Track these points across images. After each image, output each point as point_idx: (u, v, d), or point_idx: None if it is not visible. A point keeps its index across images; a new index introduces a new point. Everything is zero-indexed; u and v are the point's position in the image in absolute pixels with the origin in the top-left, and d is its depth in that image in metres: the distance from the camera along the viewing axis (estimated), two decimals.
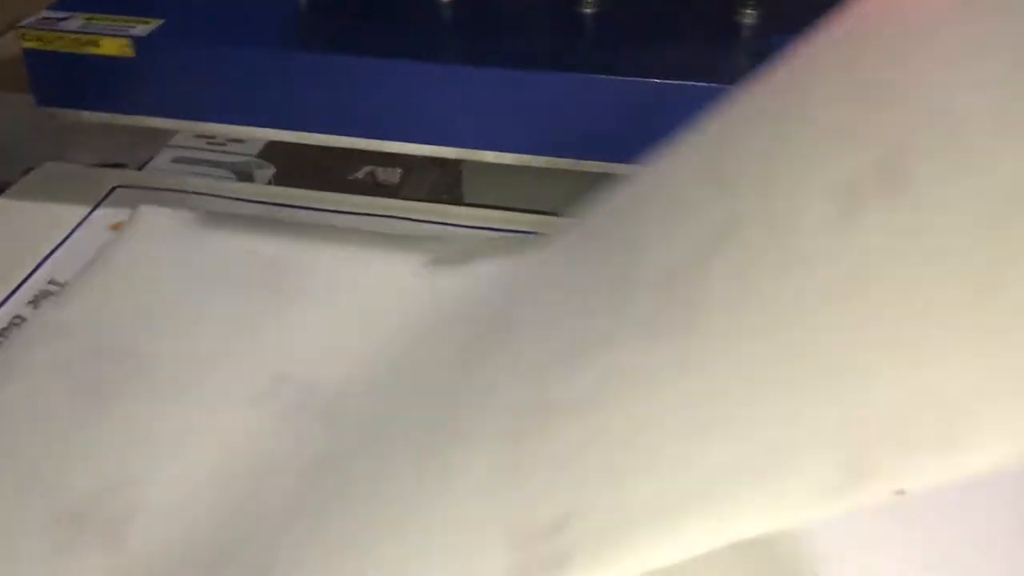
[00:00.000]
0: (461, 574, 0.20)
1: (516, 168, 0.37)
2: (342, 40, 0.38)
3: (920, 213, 0.18)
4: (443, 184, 0.43)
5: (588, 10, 0.38)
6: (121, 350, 0.33)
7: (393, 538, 0.22)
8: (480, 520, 0.21)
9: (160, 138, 0.47)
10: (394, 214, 0.42)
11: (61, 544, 0.27)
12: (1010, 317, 0.16)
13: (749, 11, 0.37)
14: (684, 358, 0.20)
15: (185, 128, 0.41)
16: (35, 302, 0.36)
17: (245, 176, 0.46)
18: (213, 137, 0.47)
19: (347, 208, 0.42)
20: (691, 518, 0.18)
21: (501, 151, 0.37)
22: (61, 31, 0.37)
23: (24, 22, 0.38)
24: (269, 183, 0.46)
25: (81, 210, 0.41)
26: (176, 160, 0.46)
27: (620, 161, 0.36)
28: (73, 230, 0.40)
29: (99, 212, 0.41)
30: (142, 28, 0.37)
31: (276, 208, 0.42)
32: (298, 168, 0.46)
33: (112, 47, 0.36)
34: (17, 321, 0.35)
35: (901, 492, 0.17)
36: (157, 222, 0.39)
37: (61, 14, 0.38)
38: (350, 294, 0.36)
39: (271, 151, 0.47)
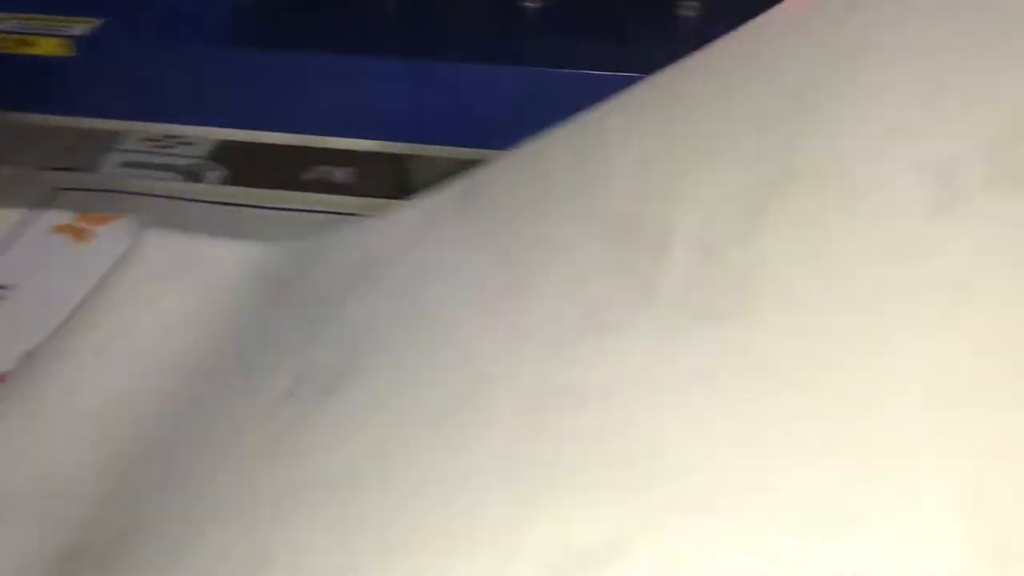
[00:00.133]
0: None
1: (464, 162, 0.37)
2: (286, 37, 0.38)
3: None
4: (393, 180, 0.43)
5: (531, 4, 0.39)
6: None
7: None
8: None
9: (106, 143, 0.46)
10: (346, 211, 0.42)
11: None
12: None
13: (690, 3, 0.38)
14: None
15: (127, 129, 0.40)
16: None
17: (195, 179, 0.45)
18: (160, 140, 0.46)
19: (299, 206, 0.42)
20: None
21: (447, 145, 0.37)
22: None
23: None
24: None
25: (24, 213, 0.40)
26: (124, 164, 0.45)
27: None
28: (16, 232, 0.39)
29: (43, 215, 0.40)
30: (80, 27, 0.36)
31: (227, 208, 0.42)
32: (250, 170, 0.46)
33: (49, 47, 0.36)
34: None
35: None
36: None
37: None
38: None
39: (221, 153, 0.47)
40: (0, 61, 0.37)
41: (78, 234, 0.39)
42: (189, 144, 0.47)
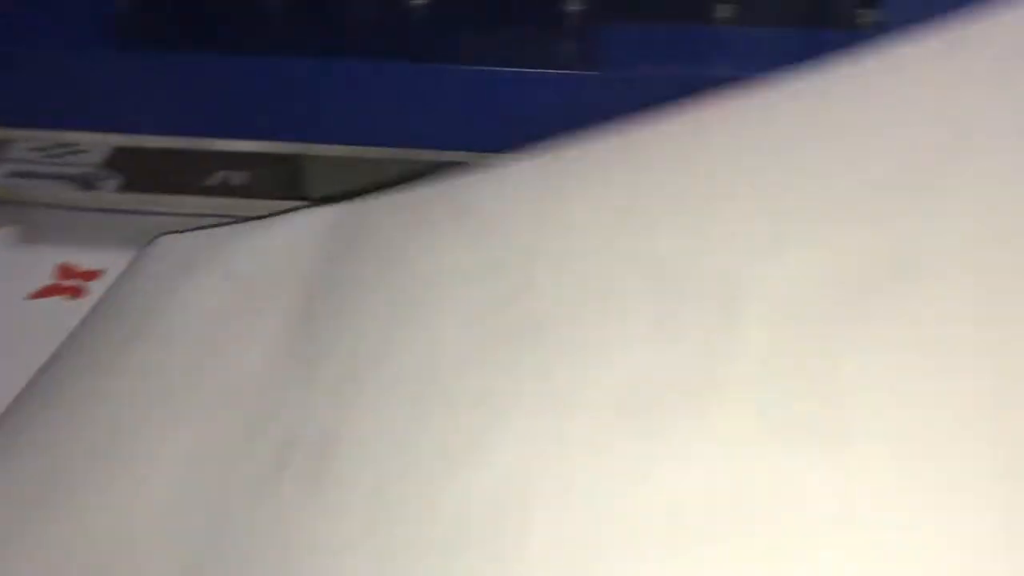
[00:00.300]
0: None
1: (361, 160, 0.38)
2: (171, 37, 0.37)
3: None
4: (286, 181, 0.43)
5: (419, 1, 0.39)
6: None
7: None
8: None
9: None
10: (245, 215, 0.42)
11: None
12: None
13: None
14: None
15: (12, 138, 0.39)
16: None
17: (88, 187, 0.44)
18: (50, 148, 0.45)
19: (195, 211, 0.41)
20: None
21: (342, 144, 0.37)
22: None
23: None
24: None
25: None
26: (10, 175, 0.44)
27: (459, 149, 0.36)
28: None
29: None
30: None
31: (123, 216, 0.41)
32: (146, 178, 0.45)
33: None
34: None
35: None
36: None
37: None
38: None
39: (116, 160, 0.46)
40: None
41: None
42: (83, 152, 0.46)
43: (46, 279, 0.39)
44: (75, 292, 0.39)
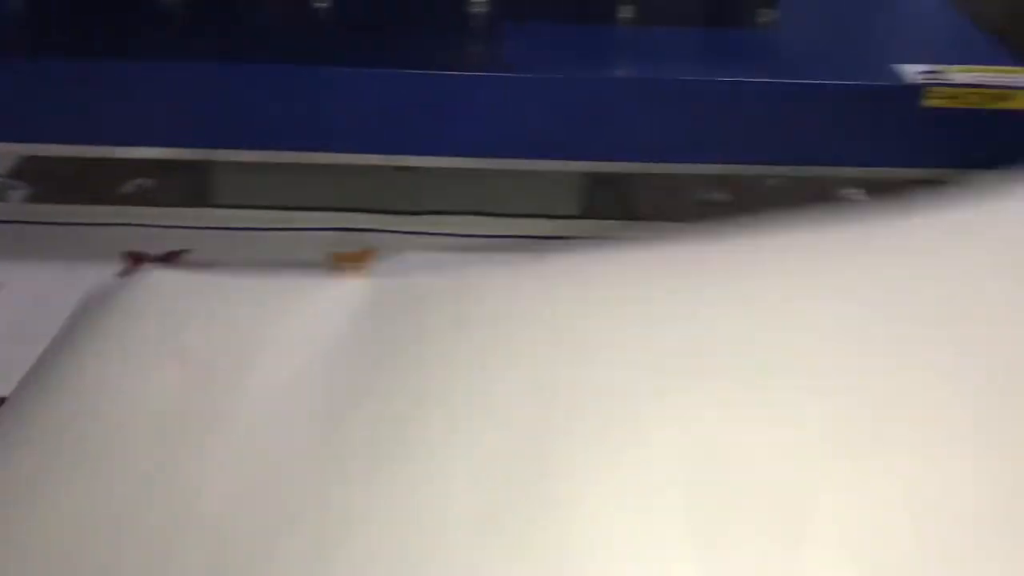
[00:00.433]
0: None
1: (271, 165, 0.37)
2: (72, 43, 0.37)
3: None
4: (192, 187, 0.43)
5: (323, 3, 0.39)
6: None
7: None
8: None
9: None
10: (158, 224, 0.41)
11: None
12: None
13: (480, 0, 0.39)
14: None
15: None
16: None
17: None
18: None
19: (104, 220, 0.41)
20: None
21: (251, 149, 0.37)
22: None
23: None
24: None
25: None
26: None
27: (364, 152, 0.36)
28: None
29: None
30: None
31: (37, 227, 0.41)
32: (56, 186, 0.45)
33: None
34: None
35: None
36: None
37: None
38: None
39: (24, 171, 0.45)
40: None
41: None
42: None
43: None
44: None
